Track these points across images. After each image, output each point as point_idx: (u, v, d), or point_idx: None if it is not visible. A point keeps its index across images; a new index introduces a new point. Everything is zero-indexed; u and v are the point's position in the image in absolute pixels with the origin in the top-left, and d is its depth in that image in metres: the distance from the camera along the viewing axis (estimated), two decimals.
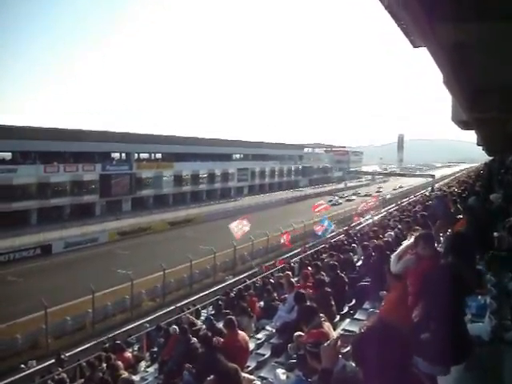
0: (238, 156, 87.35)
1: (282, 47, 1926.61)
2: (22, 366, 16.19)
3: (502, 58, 5.03)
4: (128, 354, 12.37)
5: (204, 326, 10.80)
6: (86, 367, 12.20)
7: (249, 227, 29.65)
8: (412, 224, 11.11)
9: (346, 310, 8.07)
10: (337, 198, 78.02)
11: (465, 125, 11.72)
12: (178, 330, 10.61)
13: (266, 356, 7.60)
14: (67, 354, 15.05)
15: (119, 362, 9.56)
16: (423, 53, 4.00)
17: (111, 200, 58.44)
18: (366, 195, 78.14)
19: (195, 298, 23.29)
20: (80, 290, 24.08)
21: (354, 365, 2.68)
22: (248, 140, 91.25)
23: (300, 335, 5.54)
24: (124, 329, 19.24)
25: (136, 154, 65.05)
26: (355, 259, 12.51)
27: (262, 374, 6.39)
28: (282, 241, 31.40)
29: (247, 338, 7.60)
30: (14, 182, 46.81)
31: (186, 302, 22.62)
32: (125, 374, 8.13)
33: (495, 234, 6.30)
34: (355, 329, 6.45)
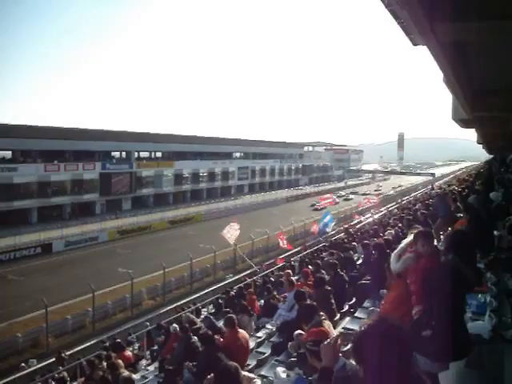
0: (238, 154, 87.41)
1: (283, 46, 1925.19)
2: (23, 364, 16.20)
3: (503, 58, 5.03)
4: (128, 353, 12.38)
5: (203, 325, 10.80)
6: (86, 366, 12.19)
7: (239, 230, 29.50)
8: (412, 222, 11.13)
9: (346, 308, 8.06)
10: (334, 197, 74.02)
11: (465, 123, 11.67)
12: (178, 328, 10.62)
13: (266, 354, 7.61)
14: (68, 353, 15.06)
15: (119, 361, 9.57)
16: (423, 51, 3.98)
17: (111, 199, 58.42)
18: (364, 194, 77.42)
19: (195, 296, 23.33)
20: (80, 289, 24.11)
21: (354, 363, 2.68)
22: (248, 138, 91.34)
23: (300, 334, 5.55)
24: (124, 327, 19.29)
25: (136, 153, 65.08)
26: (355, 258, 12.51)
27: (262, 373, 6.39)
28: (282, 244, 31.15)
29: (247, 336, 7.61)
30: (15, 181, 46.88)
31: (186, 300, 22.67)
32: (125, 373, 8.12)
33: (495, 232, 6.30)
34: (355, 327, 6.44)
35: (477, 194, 9.87)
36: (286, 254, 29.42)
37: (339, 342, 2.97)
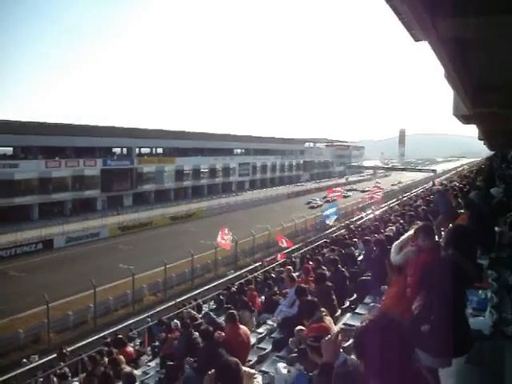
0: (239, 151, 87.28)
1: (285, 42, 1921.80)
2: (25, 360, 16.27)
3: (502, 54, 5.01)
4: (130, 349, 12.43)
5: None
6: (87, 362, 12.23)
7: (231, 235, 29.51)
8: (414, 218, 11.11)
9: (347, 304, 8.08)
10: (317, 199, 67.58)
11: (466, 119, 11.68)
12: (179, 324, 10.64)
13: (267, 350, 7.63)
14: (69, 349, 15.11)
15: (121, 357, 9.60)
16: (425, 47, 3.97)
17: (112, 195, 58.42)
18: (363, 191, 76.50)
19: (196, 292, 23.36)
20: (81, 285, 24.15)
21: (355, 359, 2.68)
22: (249, 135, 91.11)
23: (301, 329, 5.55)
24: (126, 323, 19.32)
25: (137, 149, 64.96)
26: (356, 254, 12.52)
27: (263, 368, 6.41)
28: (282, 245, 31.04)
29: (248, 332, 7.62)
30: (16, 177, 46.85)
31: (187, 296, 22.70)
32: (127, 369, 8.15)
33: (496, 228, 6.30)
34: (356, 323, 6.46)
35: (478, 190, 9.86)
36: (287, 250, 29.42)
37: (340, 337, 2.97)
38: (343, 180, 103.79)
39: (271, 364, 6.47)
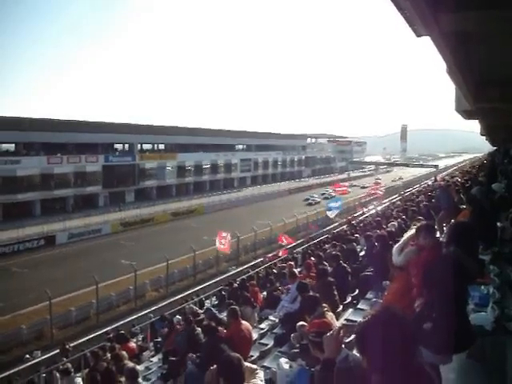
0: (240, 146, 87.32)
1: (286, 38, 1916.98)
2: (27, 356, 16.31)
3: (505, 49, 4.99)
4: (132, 344, 12.45)
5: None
6: (90, 357, 12.24)
7: (230, 236, 29.36)
8: (416, 214, 11.10)
9: (348, 299, 8.07)
10: (315, 196, 67.44)
11: (468, 114, 11.63)
12: (181, 320, 10.66)
13: (269, 346, 7.65)
14: (72, 345, 15.12)
15: (123, 352, 9.60)
16: (426, 42, 3.95)
17: (114, 191, 58.48)
18: (363, 187, 75.97)
19: (198, 288, 23.41)
20: (84, 281, 24.21)
21: (357, 354, 2.69)
22: (251, 130, 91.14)
23: (303, 325, 5.56)
24: (128, 319, 19.35)
25: (139, 145, 65.05)
26: (358, 249, 12.50)
27: (265, 364, 6.43)
28: (283, 243, 30.96)
29: (250, 327, 7.64)
30: (18, 174, 46.90)
31: (189, 292, 22.75)
32: (129, 364, 8.17)
33: (498, 223, 6.29)
34: (358, 318, 6.46)
35: (480, 186, 9.85)
36: (289, 246, 29.46)
37: (342, 333, 2.97)
38: (345, 175, 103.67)
39: (273, 359, 6.49)
